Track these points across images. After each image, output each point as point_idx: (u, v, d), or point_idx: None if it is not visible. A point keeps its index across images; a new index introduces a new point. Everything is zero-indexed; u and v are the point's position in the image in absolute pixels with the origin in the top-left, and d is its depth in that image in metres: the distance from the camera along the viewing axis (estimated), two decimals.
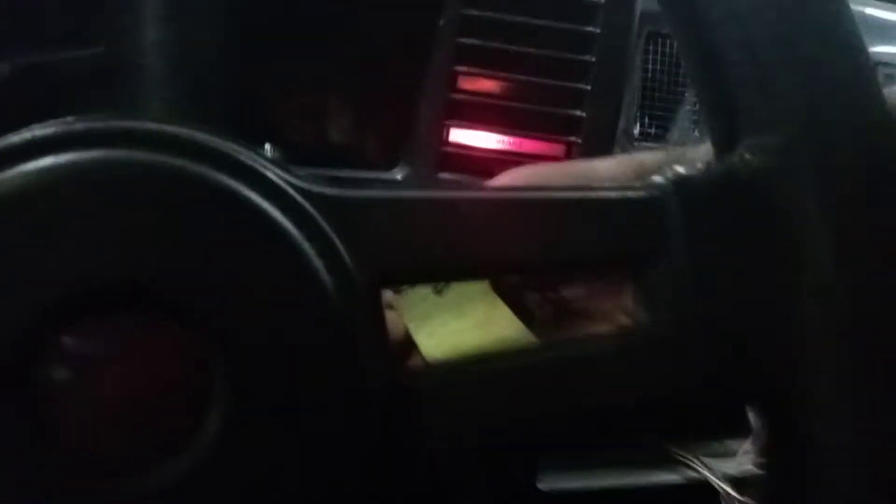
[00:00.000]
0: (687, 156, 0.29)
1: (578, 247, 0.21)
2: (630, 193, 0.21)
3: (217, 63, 0.41)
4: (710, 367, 0.21)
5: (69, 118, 0.19)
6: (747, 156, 0.21)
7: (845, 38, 0.20)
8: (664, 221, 0.21)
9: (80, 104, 0.44)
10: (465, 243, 0.21)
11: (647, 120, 0.63)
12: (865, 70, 0.20)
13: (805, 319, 0.20)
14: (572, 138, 0.52)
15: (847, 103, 0.20)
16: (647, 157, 0.31)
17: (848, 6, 0.21)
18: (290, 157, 0.57)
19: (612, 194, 0.21)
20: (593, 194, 0.22)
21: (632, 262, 0.22)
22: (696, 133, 0.67)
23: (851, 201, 0.20)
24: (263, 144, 0.52)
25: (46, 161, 0.18)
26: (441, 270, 0.22)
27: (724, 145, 0.21)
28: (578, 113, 0.51)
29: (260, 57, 0.49)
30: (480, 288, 0.31)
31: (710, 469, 0.61)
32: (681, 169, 0.21)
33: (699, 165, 0.21)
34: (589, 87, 0.51)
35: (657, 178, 0.21)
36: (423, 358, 0.31)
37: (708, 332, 0.21)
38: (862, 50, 0.20)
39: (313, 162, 0.52)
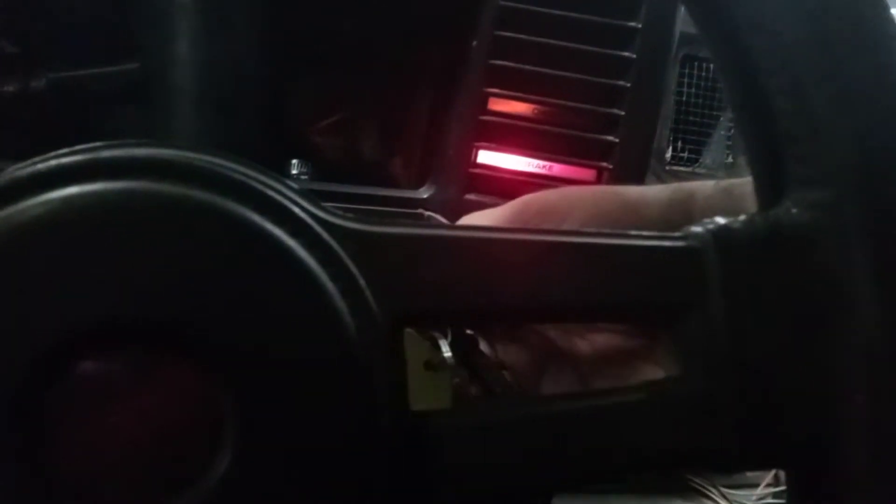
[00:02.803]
0: (736, 191, 0.28)
1: (611, 294, 0.21)
2: (667, 242, 0.20)
3: (248, 79, 0.41)
4: (739, 425, 0.20)
5: (96, 144, 0.19)
6: (794, 210, 0.20)
7: None
8: (702, 273, 0.20)
9: (113, 119, 0.44)
10: (495, 286, 0.20)
11: (679, 143, 0.62)
12: None
13: (847, 384, 0.19)
14: (604, 164, 0.51)
15: None
16: (697, 188, 0.30)
17: None
18: (318, 173, 0.57)
19: (649, 242, 0.21)
20: (629, 241, 0.21)
21: (665, 312, 0.21)
22: (730, 158, 0.66)
23: None
24: (292, 160, 0.53)
25: (72, 190, 0.18)
26: (466, 313, 0.22)
27: (769, 197, 0.21)
28: (611, 138, 0.51)
29: (292, 75, 0.49)
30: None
31: (727, 499, 0.60)
32: (721, 219, 0.20)
33: (741, 217, 0.20)
34: (622, 113, 0.50)
35: (696, 228, 0.20)
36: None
37: (740, 388, 0.20)
38: None
39: (341, 178, 0.52)
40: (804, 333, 0.20)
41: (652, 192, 0.30)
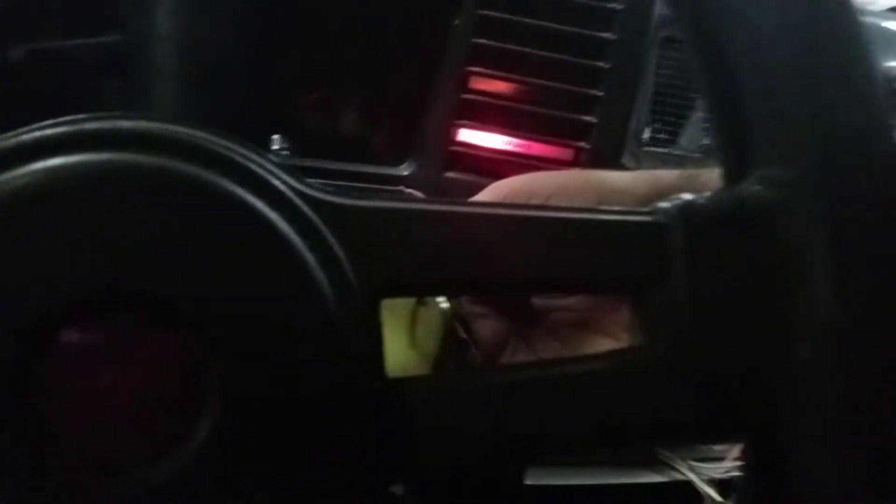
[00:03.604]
0: (701, 178, 0.29)
1: (579, 267, 0.21)
2: (634, 217, 0.21)
3: (229, 54, 0.41)
4: (701, 394, 0.21)
5: (80, 115, 0.19)
6: (757, 187, 0.20)
7: (865, 83, 0.20)
8: (667, 247, 0.21)
9: (93, 91, 0.44)
10: (468, 258, 0.21)
11: (657, 124, 0.63)
12: (882, 116, 0.20)
13: (801, 356, 0.20)
14: (581, 143, 0.51)
15: (861, 148, 0.20)
16: (663, 174, 0.31)
17: (870, 49, 0.20)
18: (300, 148, 0.57)
19: (617, 217, 0.21)
20: (597, 216, 0.21)
21: (632, 284, 0.22)
22: (706, 140, 0.67)
23: (857, 244, 0.20)
24: (272, 135, 0.52)
25: (55, 161, 0.18)
26: (441, 284, 0.23)
27: (733, 174, 0.21)
28: (589, 118, 0.51)
29: (273, 49, 0.48)
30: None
31: (695, 472, 0.61)
32: (687, 196, 0.21)
33: (706, 193, 0.21)
34: (601, 94, 0.51)
35: (663, 204, 0.21)
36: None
37: (702, 359, 0.21)
38: (879, 96, 0.20)
39: (323, 153, 0.53)
40: (763, 306, 0.20)
41: (619, 175, 0.31)
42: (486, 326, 0.33)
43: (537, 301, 0.33)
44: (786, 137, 0.20)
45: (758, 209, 0.20)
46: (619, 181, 0.31)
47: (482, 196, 0.32)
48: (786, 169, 0.20)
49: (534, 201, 0.30)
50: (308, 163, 0.51)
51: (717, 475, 0.61)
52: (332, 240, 0.19)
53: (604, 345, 0.31)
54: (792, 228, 0.20)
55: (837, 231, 0.20)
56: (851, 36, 0.21)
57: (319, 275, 0.19)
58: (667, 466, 0.61)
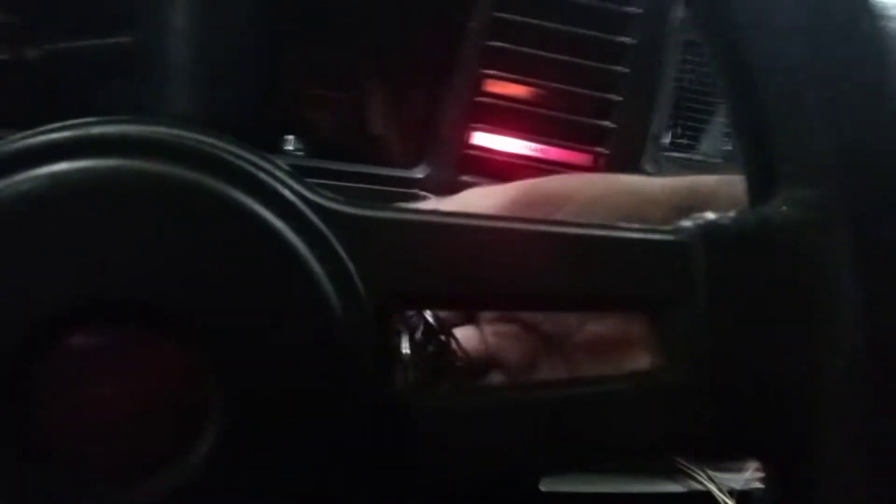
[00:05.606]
0: (739, 186, 0.28)
1: (597, 286, 0.21)
2: (656, 236, 0.21)
3: (244, 54, 0.41)
4: (722, 416, 0.20)
5: (87, 119, 0.19)
6: (783, 208, 0.20)
7: (893, 102, 0.20)
8: (688, 267, 0.20)
9: (107, 91, 0.44)
10: (481, 273, 0.20)
11: (678, 129, 0.62)
12: None
13: (827, 379, 0.20)
14: (600, 149, 0.51)
15: (889, 169, 0.20)
16: (700, 180, 0.30)
17: None
18: (313, 149, 0.57)
19: (638, 235, 0.21)
20: (617, 233, 0.21)
21: (652, 304, 0.21)
22: (728, 145, 0.66)
23: (886, 266, 0.19)
24: (287, 136, 0.52)
25: (61, 167, 0.18)
26: (453, 299, 0.22)
27: (759, 194, 0.21)
28: (607, 124, 0.50)
29: (287, 49, 0.48)
30: None
31: (714, 482, 0.60)
32: (711, 215, 0.20)
33: (731, 213, 0.20)
34: (620, 98, 0.50)
35: (685, 223, 0.21)
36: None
37: (723, 381, 0.20)
38: None
39: (337, 155, 0.52)
40: (786, 329, 0.20)
41: (654, 182, 0.30)
42: (512, 347, 0.31)
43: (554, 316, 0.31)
44: (812, 158, 0.20)
45: (784, 230, 0.20)
46: (655, 192, 0.29)
47: (509, 194, 0.30)
48: (812, 190, 0.20)
49: (566, 210, 0.29)
50: (322, 164, 0.51)
51: (738, 486, 0.60)
52: (341, 251, 0.19)
53: (641, 358, 0.29)
54: (819, 250, 0.20)
55: (865, 252, 0.19)
56: (882, 56, 0.20)
57: (328, 286, 0.19)
58: (685, 476, 0.60)
